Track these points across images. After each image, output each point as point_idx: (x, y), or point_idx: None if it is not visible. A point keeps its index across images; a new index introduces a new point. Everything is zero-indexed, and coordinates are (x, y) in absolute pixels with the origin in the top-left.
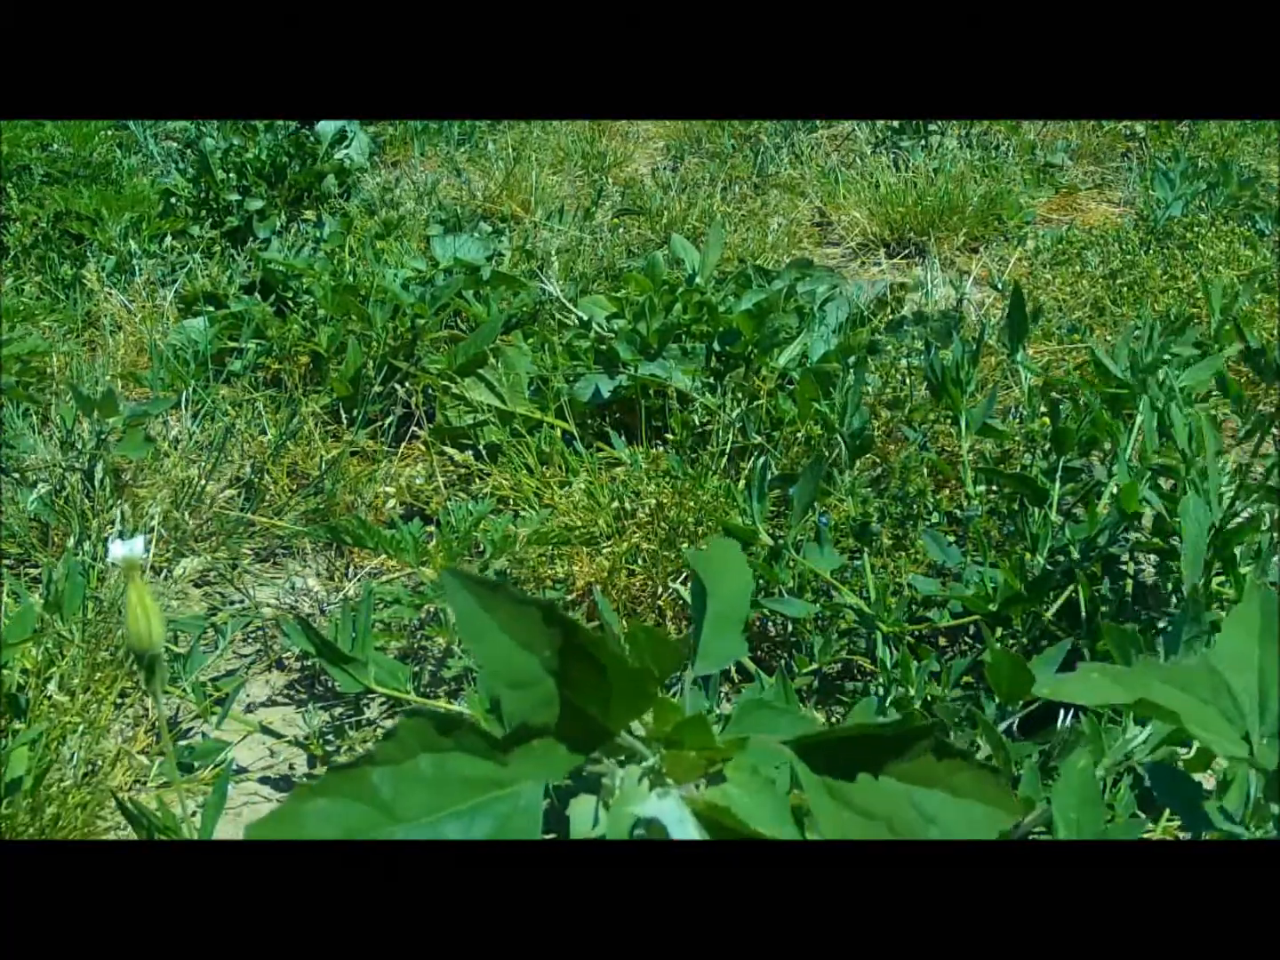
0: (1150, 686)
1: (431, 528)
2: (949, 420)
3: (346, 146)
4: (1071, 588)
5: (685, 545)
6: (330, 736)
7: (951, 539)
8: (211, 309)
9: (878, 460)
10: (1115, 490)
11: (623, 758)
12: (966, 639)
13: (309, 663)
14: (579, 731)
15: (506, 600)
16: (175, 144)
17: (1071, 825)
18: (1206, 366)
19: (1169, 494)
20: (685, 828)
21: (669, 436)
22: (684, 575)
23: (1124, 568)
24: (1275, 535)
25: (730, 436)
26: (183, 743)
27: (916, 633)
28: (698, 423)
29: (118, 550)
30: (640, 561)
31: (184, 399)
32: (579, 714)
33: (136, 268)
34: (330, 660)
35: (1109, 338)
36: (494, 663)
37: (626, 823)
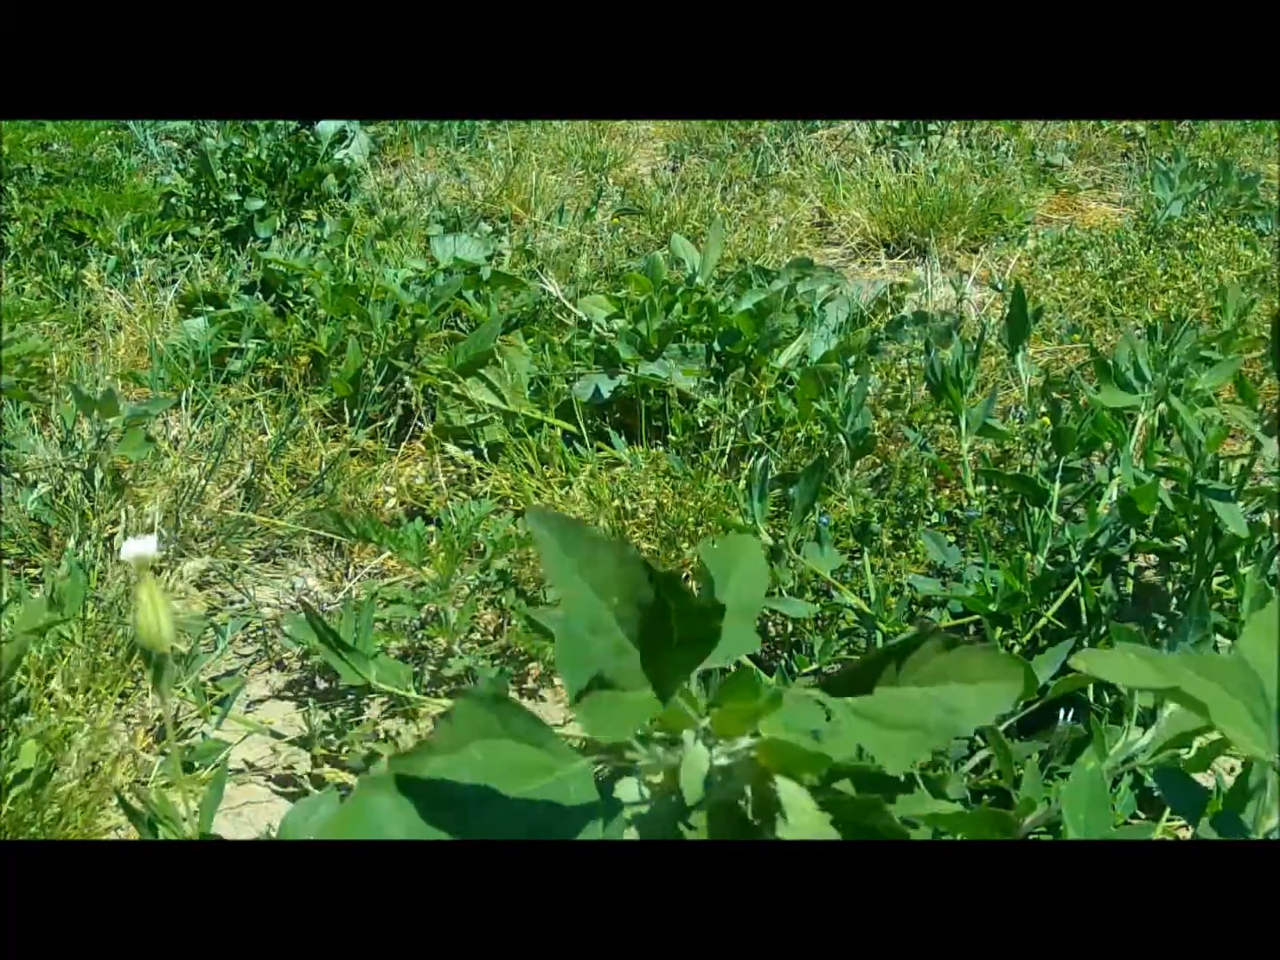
0: (1183, 675)
1: (432, 527)
2: (949, 420)
3: (346, 146)
4: (1071, 588)
5: (685, 545)
6: (331, 736)
7: (951, 539)
8: (211, 309)
9: (878, 460)
10: (1117, 491)
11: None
12: (966, 639)
13: (309, 662)
14: (654, 677)
15: (584, 539)
16: (175, 144)
17: (1080, 826)
18: (1225, 368)
19: (1177, 495)
20: (750, 770)
21: (669, 437)
22: (684, 575)
23: (1124, 568)
24: (1276, 535)
25: (730, 436)
26: (183, 743)
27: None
28: (698, 423)
29: (130, 548)
30: None
31: (184, 399)
32: (647, 663)
33: (137, 268)
34: (333, 650)
35: (1109, 338)
36: (574, 607)
37: (699, 776)
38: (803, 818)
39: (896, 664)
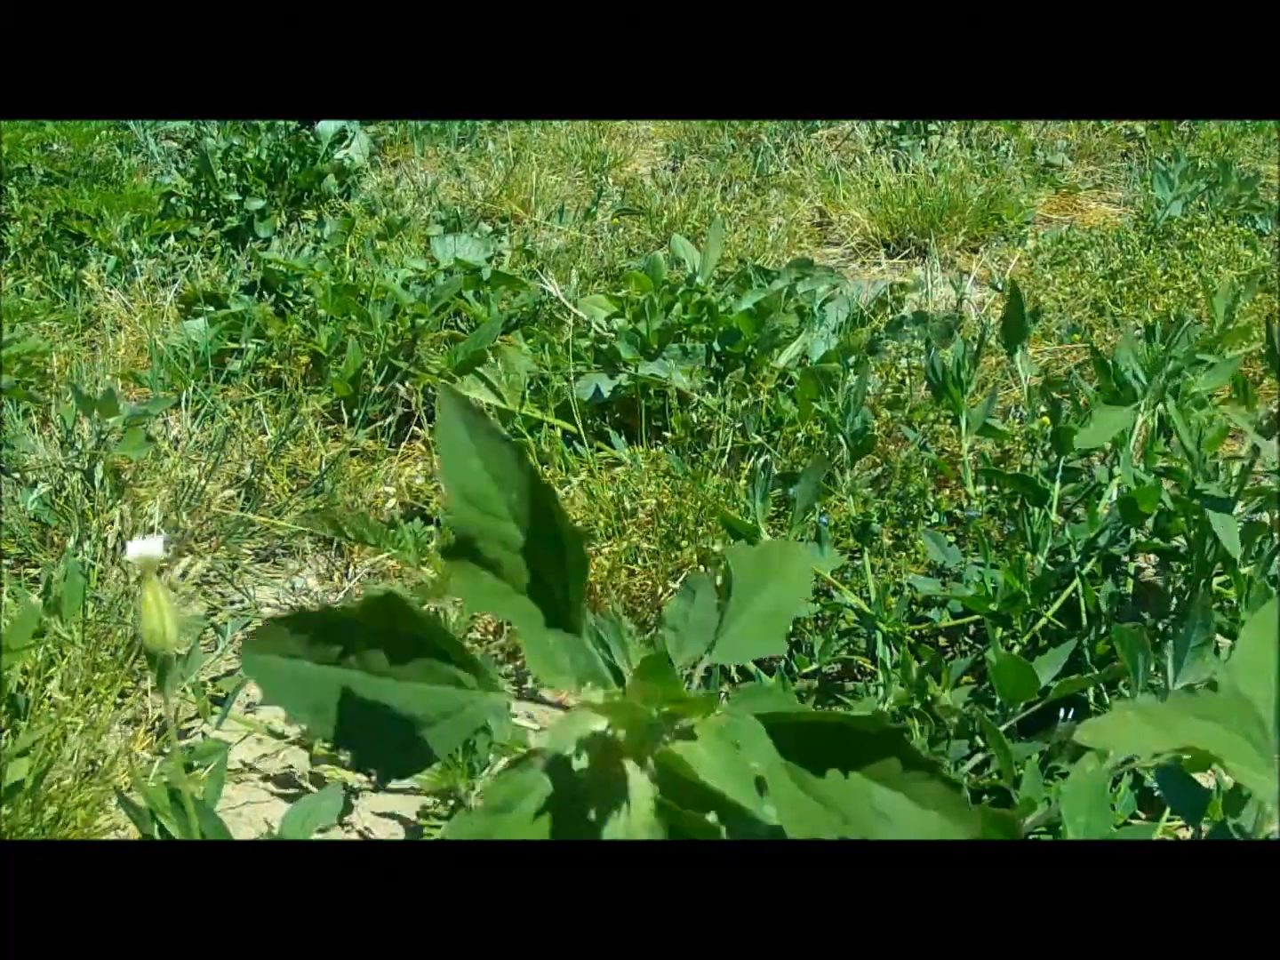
0: (1188, 726)
1: (431, 528)
2: (949, 420)
3: (346, 146)
4: (1071, 588)
5: (685, 544)
6: None
7: (951, 539)
8: (212, 309)
9: (878, 460)
10: (1118, 491)
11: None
12: (966, 639)
13: None
14: (544, 602)
15: (489, 429)
16: (175, 144)
17: (1080, 828)
18: (1223, 369)
19: (1177, 496)
20: (634, 778)
21: (669, 436)
22: (683, 575)
23: (1124, 567)
24: (1276, 535)
25: (730, 436)
26: (183, 743)
27: (916, 633)
28: (698, 422)
29: (135, 548)
30: (640, 561)
31: (184, 399)
32: (544, 584)
33: (137, 268)
34: None
35: (1109, 338)
36: (459, 476)
37: (569, 739)
38: (639, 813)
39: (850, 745)
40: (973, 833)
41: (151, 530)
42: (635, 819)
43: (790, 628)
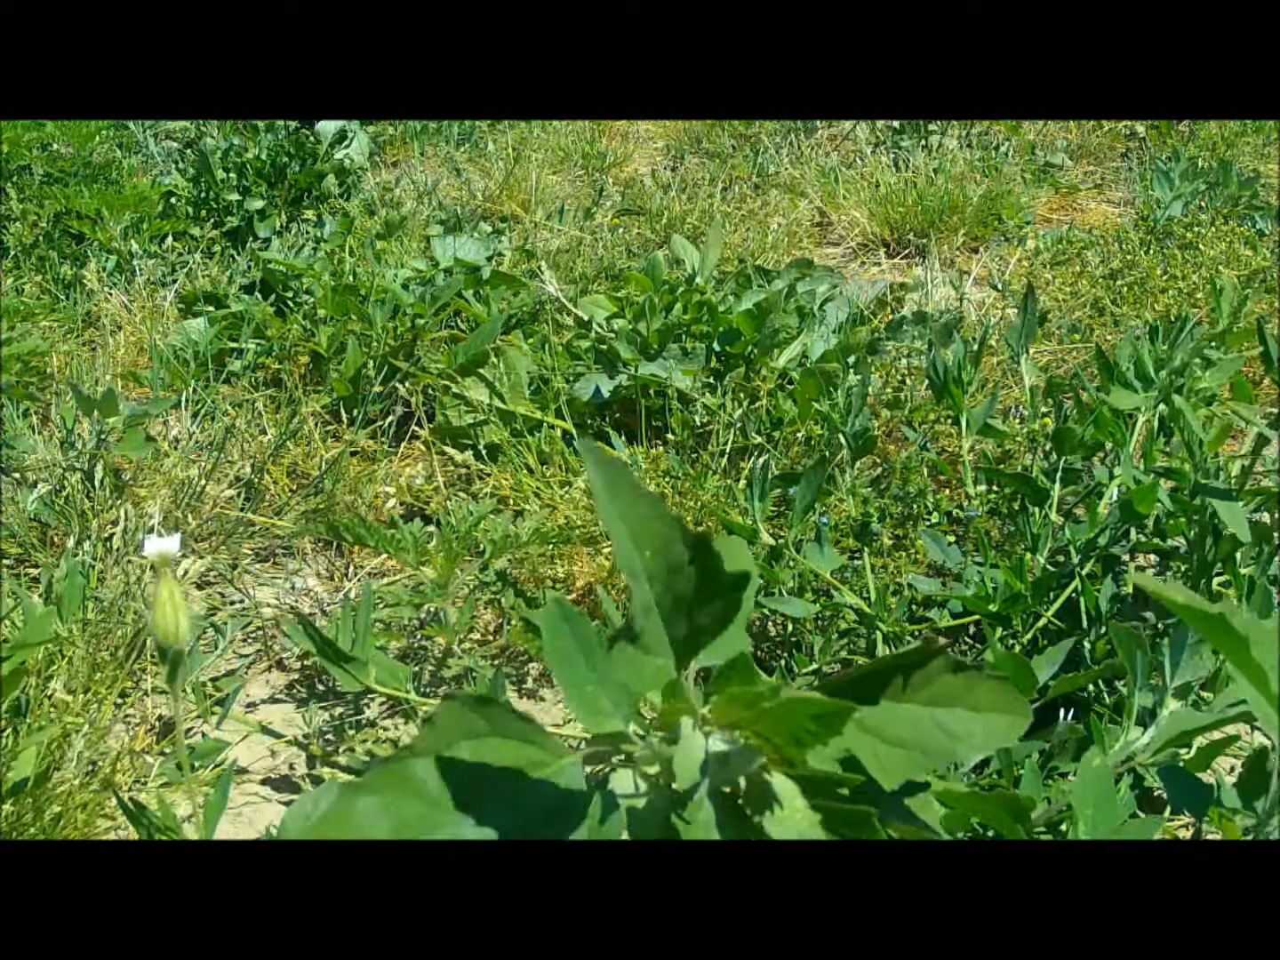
0: (1224, 629)
1: (431, 528)
2: (949, 420)
3: (346, 146)
4: (1071, 588)
5: None
6: (330, 736)
7: (951, 539)
8: (211, 309)
9: (878, 460)
10: (1118, 491)
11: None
12: (966, 639)
13: (309, 663)
14: (674, 641)
15: (628, 485)
16: (175, 144)
17: (1089, 821)
18: (1227, 367)
19: (1177, 496)
20: (747, 757)
21: (669, 436)
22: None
23: (1124, 568)
24: (1276, 535)
25: (730, 436)
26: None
27: (916, 633)
28: (698, 423)
29: (152, 546)
30: None
31: (184, 399)
32: (674, 622)
33: (137, 268)
34: (330, 659)
35: (1109, 338)
36: (635, 522)
37: (694, 764)
38: (794, 815)
39: (903, 678)
40: (1027, 720)
41: (151, 530)
42: (796, 820)
43: (745, 621)
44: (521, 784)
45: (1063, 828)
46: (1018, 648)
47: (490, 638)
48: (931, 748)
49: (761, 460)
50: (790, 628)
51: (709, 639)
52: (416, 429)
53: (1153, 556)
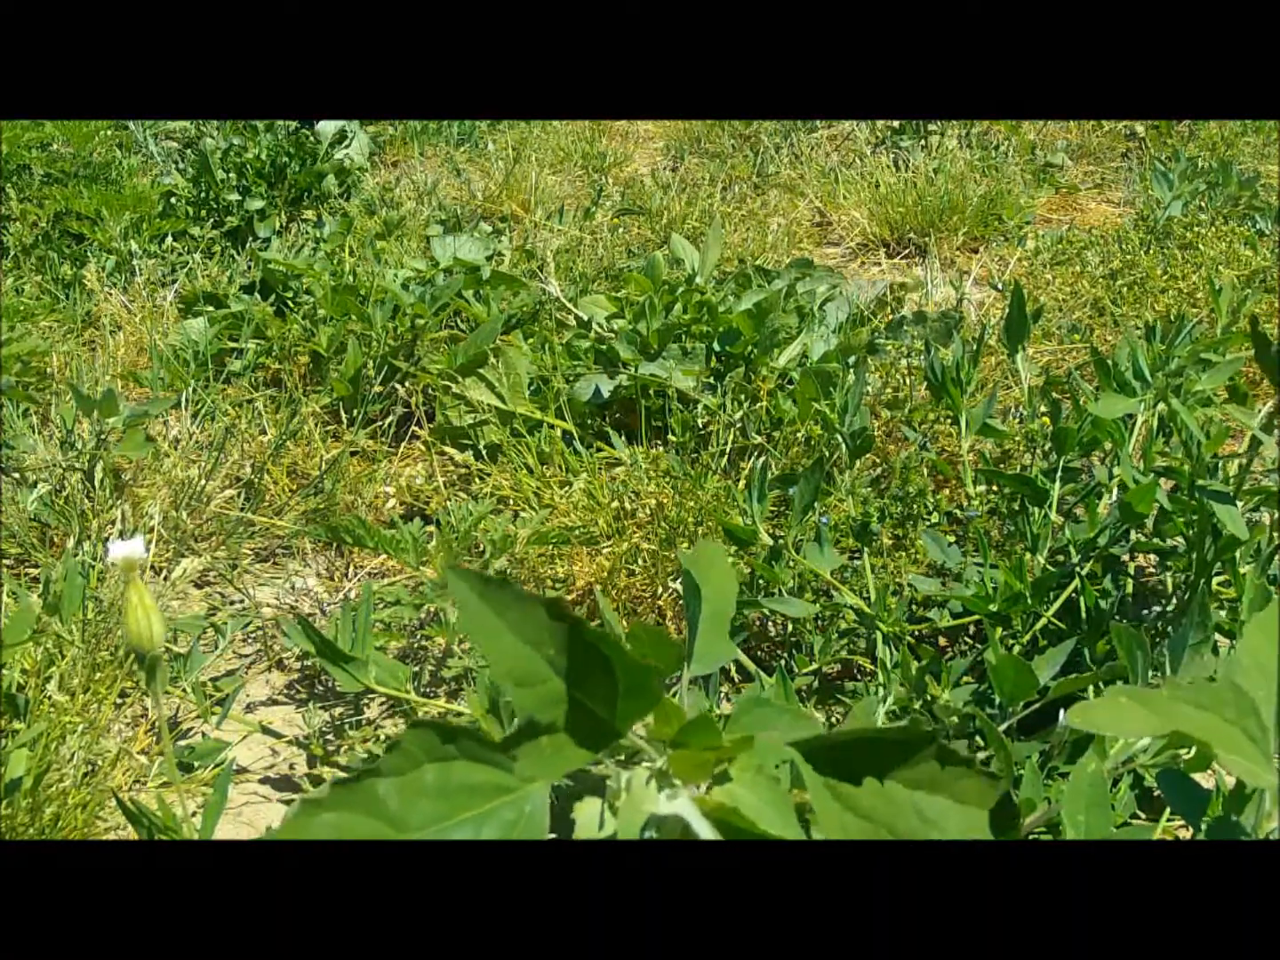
0: (1180, 713)
1: (431, 528)
2: (949, 420)
3: (346, 146)
4: (1071, 588)
5: (685, 545)
6: (330, 736)
7: (951, 539)
8: (211, 309)
9: (878, 460)
10: (1118, 490)
11: (623, 758)
12: (966, 639)
13: (309, 663)
14: (587, 729)
15: (512, 597)
16: (175, 144)
17: (1080, 827)
18: (1225, 369)
19: (1175, 495)
20: (700, 827)
21: (669, 437)
22: (683, 576)
23: (1124, 568)
24: (1276, 535)
25: (730, 436)
26: (183, 743)
27: (916, 633)
28: (698, 423)
29: (117, 550)
30: (640, 561)
31: (184, 399)
32: (587, 712)
33: (136, 268)
34: (330, 659)
35: (1109, 338)
36: (500, 661)
37: (638, 822)
38: None
39: (886, 756)
40: (1006, 821)
41: (151, 530)
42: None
43: (729, 628)
44: (484, 808)
45: (1062, 828)
46: (1018, 648)
47: None
48: (901, 828)
49: (761, 460)
50: (790, 628)
51: (633, 720)
52: (416, 429)
53: (1153, 556)
